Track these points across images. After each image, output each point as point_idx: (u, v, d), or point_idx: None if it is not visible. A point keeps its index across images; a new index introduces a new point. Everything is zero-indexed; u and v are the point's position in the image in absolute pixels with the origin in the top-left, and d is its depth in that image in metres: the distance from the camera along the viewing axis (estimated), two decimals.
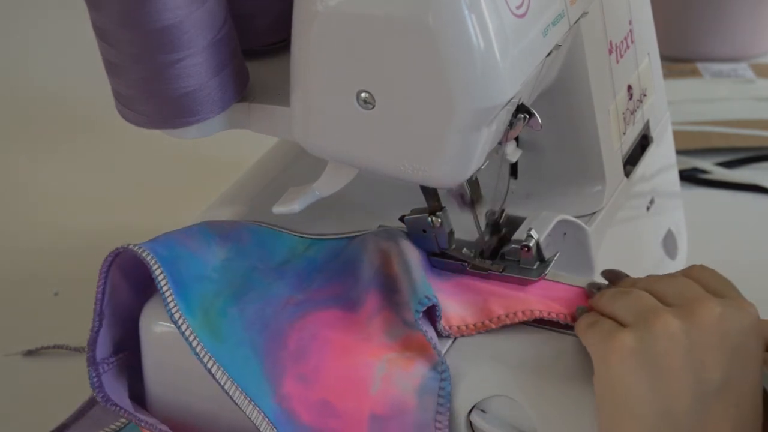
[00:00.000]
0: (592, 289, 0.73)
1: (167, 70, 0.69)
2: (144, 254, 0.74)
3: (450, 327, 0.72)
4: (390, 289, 0.74)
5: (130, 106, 0.72)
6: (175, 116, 0.71)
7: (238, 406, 0.71)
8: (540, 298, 0.73)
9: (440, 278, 0.76)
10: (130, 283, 0.77)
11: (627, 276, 0.72)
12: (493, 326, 0.72)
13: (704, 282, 0.67)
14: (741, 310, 0.64)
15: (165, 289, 0.73)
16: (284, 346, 0.73)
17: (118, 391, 0.78)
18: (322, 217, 0.82)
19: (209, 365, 0.72)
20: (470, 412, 0.70)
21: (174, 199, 1.18)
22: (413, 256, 0.75)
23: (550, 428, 0.68)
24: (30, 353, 0.99)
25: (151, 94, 0.71)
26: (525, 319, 0.72)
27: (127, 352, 0.79)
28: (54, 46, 1.52)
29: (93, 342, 0.77)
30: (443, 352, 0.71)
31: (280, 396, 0.72)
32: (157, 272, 0.73)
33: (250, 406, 0.71)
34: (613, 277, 0.72)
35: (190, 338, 0.72)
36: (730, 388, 0.63)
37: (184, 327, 0.72)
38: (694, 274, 0.68)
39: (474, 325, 0.72)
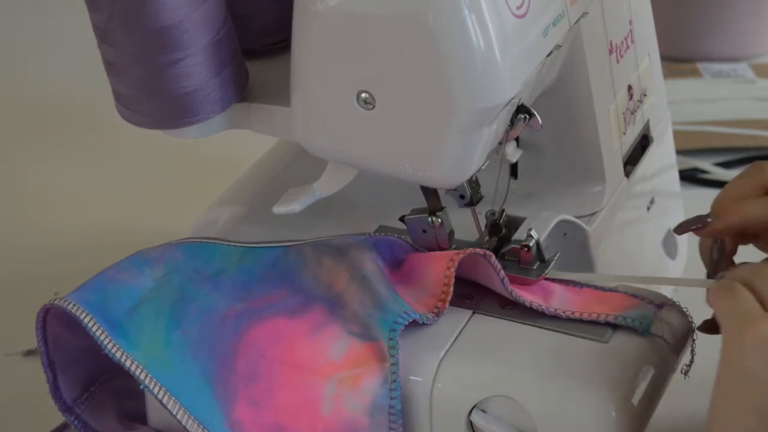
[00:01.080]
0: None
1: (167, 70, 0.69)
2: (70, 306, 0.73)
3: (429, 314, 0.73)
4: (336, 305, 0.74)
5: (130, 106, 0.72)
6: (175, 116, 0.71)
7: None
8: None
9: (393, 271, 0.76)
10: (69, 328, 0.76)
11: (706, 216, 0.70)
12: (444, 294, 0.72)
13: None
14: None
15: (99, 333, 0.72)
16: (233, 369, 0.72)
17: (103, 419, 0.79)
18: (322, 217, 0.82)
19: (160, 395, 0.71)
20: (470, 412, 0.70)
21: (174, 199, 1.18)
22: (369, 266, 0.74)
23: (550, 428, 0.68)
24: (30, 353, 0.98)
25: (151, 94, 0.71)
26: (467, 254, 0.72)
27: (101, 380, 0.80)
28: (54, 47, 1.51)
29: (55, 391, 0.77)
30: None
31: (231, 420, 0.71)
32: (86, 320, 0.73)
33: None
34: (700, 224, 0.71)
35: (137, 371, 0.71)
36: None
37: (128, 363, 0.72)
38: None
39: (436, 306, 0.73)
